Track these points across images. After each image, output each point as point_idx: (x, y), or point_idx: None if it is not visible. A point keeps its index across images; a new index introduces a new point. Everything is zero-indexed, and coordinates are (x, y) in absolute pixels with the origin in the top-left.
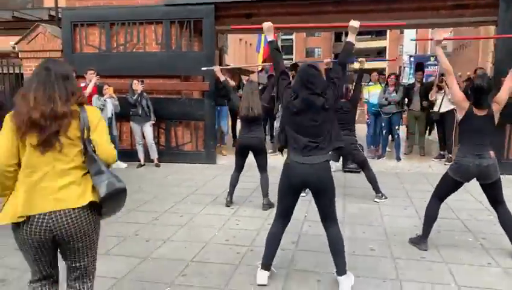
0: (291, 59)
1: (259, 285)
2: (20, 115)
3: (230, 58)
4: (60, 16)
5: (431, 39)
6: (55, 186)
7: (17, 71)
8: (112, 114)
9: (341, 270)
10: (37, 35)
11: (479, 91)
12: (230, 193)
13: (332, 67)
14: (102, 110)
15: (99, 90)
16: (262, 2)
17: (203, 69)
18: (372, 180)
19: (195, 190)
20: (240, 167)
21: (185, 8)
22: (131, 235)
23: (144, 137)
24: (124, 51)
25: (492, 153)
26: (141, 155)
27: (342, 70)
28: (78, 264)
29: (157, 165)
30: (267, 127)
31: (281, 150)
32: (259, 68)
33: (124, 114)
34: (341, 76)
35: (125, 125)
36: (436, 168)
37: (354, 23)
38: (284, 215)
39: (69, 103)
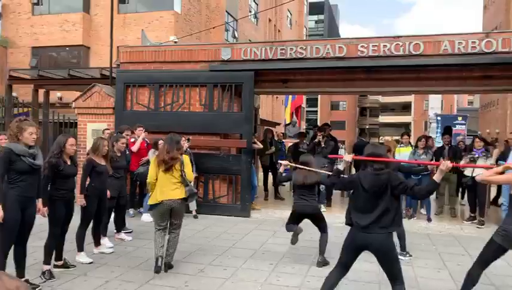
0: (316, 112)
1: None
2: (159, 157)
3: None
4: (114, 76)
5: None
6: (171, 189)
7: (61, 120)
8: None
9: None
10: (93, 94)
11: None
12: (296, 234)
13: (414, 187)
14: None
15: (154, 144)
16: (300, 69)
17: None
18: (401, 237)
19: (234, 243)
20: (296, 224)
21: (227, 74)
22: (182, 286)
23: None
24: (171, 110)
25: None
26: None
27: (426, 194)
28: (177, 221)
29: (195, 217)
30: None
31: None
32: (287, 121)
33: None
34: (419, 194)
35: None
36: (468, 231)
37: (447, 166)
38: (344, 266)
39: (178, 153)
